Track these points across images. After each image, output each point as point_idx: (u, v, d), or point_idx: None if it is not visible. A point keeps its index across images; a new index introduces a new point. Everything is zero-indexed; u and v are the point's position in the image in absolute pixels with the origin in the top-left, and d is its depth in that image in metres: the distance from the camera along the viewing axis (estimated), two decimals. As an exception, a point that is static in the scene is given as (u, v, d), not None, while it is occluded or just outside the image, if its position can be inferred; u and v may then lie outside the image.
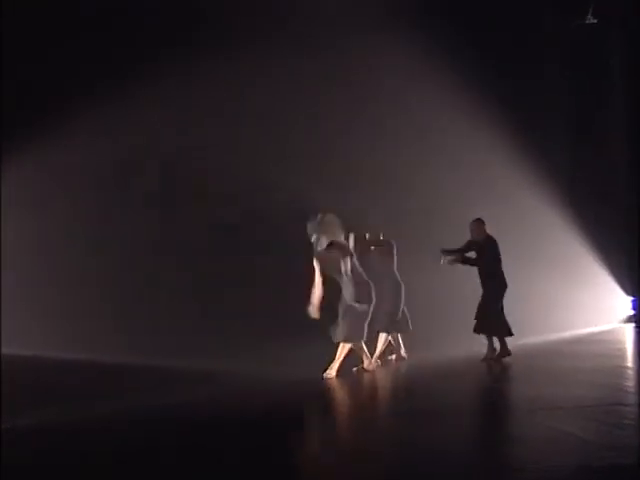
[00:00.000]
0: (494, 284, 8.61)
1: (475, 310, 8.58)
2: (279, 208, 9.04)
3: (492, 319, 8.48)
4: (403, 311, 8.61)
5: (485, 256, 8.64)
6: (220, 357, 8.25)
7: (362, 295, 7.61)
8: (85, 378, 7.68)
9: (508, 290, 8.62)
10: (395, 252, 8.65)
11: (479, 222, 8.76)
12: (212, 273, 9.50)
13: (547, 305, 10.91)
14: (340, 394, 7.05)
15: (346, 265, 7.53)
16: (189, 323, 9.09)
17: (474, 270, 8.70)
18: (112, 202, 9.91)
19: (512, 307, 9.39)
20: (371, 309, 7.72)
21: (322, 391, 6.94)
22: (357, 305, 7.58)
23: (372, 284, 7.75)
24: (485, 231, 8.72)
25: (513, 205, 11.42)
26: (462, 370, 8.08)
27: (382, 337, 8.50)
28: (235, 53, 9.67)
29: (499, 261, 8.66)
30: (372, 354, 8.12)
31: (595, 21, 10.87)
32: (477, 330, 8.56)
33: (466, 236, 8.77)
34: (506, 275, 8.59)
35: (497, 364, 8.29)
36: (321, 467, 4.40)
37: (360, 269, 7.74)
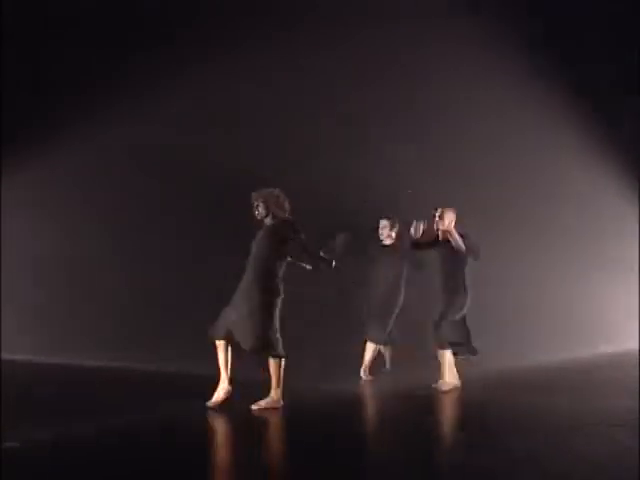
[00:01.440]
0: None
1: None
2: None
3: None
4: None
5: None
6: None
7: None
8: (84, 382, 7.48)
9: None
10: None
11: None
12: (213, 275, 9.21)
13: (627, 312, 10.01)
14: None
15: None
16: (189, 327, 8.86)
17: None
18: (112, 203, 9.74)
19: (588, 314, 8.64)
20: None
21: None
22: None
23: None
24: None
25: (592, 209, 10.59)
26: (519, 381, 7.50)
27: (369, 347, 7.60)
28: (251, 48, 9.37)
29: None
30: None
31: None
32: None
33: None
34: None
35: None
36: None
37: None
